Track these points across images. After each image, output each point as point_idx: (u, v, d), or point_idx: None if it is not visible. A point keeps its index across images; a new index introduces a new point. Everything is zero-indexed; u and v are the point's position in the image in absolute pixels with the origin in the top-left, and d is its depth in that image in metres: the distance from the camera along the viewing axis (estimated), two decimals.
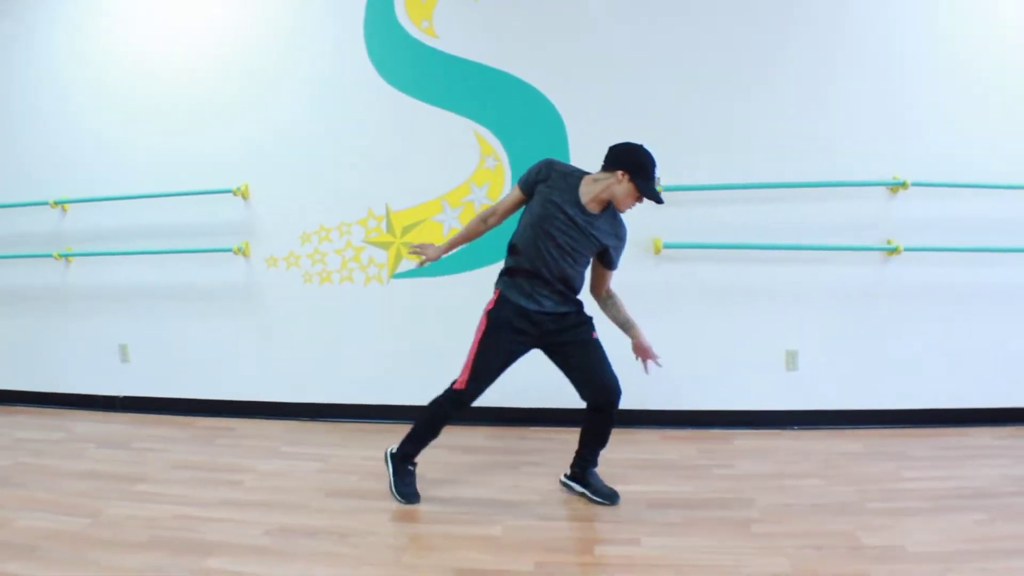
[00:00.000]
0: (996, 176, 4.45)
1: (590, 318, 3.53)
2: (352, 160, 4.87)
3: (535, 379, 4.62)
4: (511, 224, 3.53)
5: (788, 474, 3.91)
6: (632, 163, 3.27)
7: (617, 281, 4.22)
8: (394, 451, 3.71)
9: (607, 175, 3.30)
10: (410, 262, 4.83)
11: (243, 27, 4.94)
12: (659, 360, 3.59)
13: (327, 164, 4.91)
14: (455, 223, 4.73)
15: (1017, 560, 2.92)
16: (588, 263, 3.46)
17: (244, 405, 5.22)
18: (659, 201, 3.33)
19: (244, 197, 5.00)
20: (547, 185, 3.36)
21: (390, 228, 4.86)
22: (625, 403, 4.55)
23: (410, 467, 3.70)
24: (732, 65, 4.54)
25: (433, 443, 3.65)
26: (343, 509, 3.56)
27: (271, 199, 5.00)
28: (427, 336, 4.81)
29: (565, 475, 3.76)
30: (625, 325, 3.57)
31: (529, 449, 4.40)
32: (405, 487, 3.66)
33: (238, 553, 3.11)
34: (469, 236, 3.70)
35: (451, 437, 3.68)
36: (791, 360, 4.67)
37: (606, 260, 3.46)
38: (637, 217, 4.42)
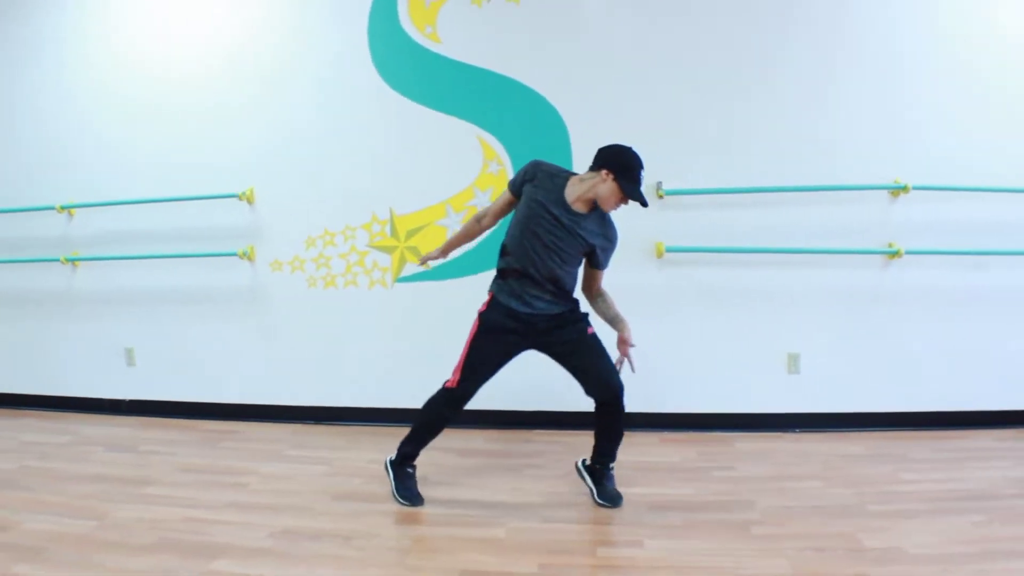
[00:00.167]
0: (997, 179, 4.47)
1: (585, 315, 3.55)
2: (356, 165, 4.91)
3: (538, 382, 4.67)
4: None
5: (788, 476, 3.93)
6: (617, 163, 3.29)
7: (620, 284, 4.26)
8: (392, 459, 3.75)
9: (593, 175, 3.33)
10: (414, 266, 4.87)
11: (248, 33, 4.97)
12: (633, 364, 3.57)
13: (332, 169, 4.94)
14: (458, 227, 4.75)
15: (1016, 562, 2.93)
16: (578, 263, 3.47)
17: (249, 408, 5.25)
18: (643, 203, 3.31)
19: (249, 202, 5.04)
20: (533, 185, 3.40)
21: (394, 232, 4.89)
22: (626, 405, 4.59)
23: (409, 470, 3.73)
24: (733, 69, 4.56)
25: (435, 445, 3.69)
26: (347, 512, 3.59)
27: (276, 203, 5.03)
28: (431, 339, 4.84)
29: (583, 461, 3.79)
30: (614, 320, 3.58)
31: (532, 452, 4.43)
32: (406, 490, 3.69)
33: (244, 555, 3.14)
34: (467, 236, 3.79)
35: (454, 440, 3.72)
36: (792, 363, 4.69)
37: (594, 261, 3.48)
38: (639, 220, 4.49)
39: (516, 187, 3.49)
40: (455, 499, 3.72)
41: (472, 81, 4.72)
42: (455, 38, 4.73)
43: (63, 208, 5.29)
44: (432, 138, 4.78)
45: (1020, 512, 3.39)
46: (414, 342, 4.91)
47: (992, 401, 4.67)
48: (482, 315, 3.53)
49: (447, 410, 3.56)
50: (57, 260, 5.36)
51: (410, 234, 4.87)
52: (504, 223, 3.63)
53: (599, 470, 3.68)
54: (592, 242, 3.38)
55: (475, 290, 3.73)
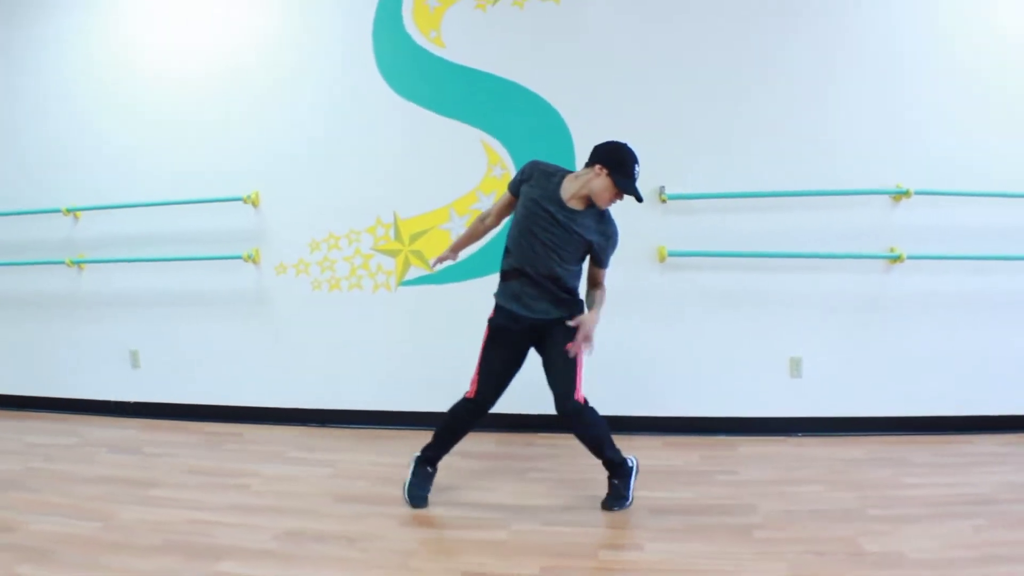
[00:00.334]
0: (999, 184, 4.48)
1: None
2: (361, 168, 4.93)
3: (541, 385, 4.68)
4: None
5: (790, 480, 3.94)
6: (610, 158, 3.32)
7: (622, 288, 4.33)
8: (418, 455, 3.77)
9: (587, 171, 3.37)
10: (418, 269, 4.89)
11: (253, 37, 5.00)
12: (583, 349, 3.50)
13: (336, 172, 4.97)
14: (462, 231, 4.77)
15: (1016, 566, 2.95)
16: (578, 260, 3.48)
17: (254, 411, 5.27)
18: (637, 197, 3.33)
19: (254, 205, 5.06)
20: (530, 185, 3.45)
21: (398, 236, 4.92)
22: (629, 409, 4.63)
23: (429, 469, 3.76)
24: (734, 74, 4.57)
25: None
26: (352, 514, 3.61)
27: (281, 207, 5.06)
28: (435, 342, 4.87)
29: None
30: (589, 303, 3.58)
31: (535, 455, 4.44)
32: (415, 488, 3.71)
33: (248, 557, 3.17)
34: (473, 236, 3.85)
35: (459, 444, 3.72)
36: (795, 367, 4.70)
37: (595, 259, 3.50)
38: (642, 225, 4.52)
39: (515, 187, 3.54)
40: (459, 501, 3.74)
41: (476, 85, 4.74)
42: (459, 42, 4.75)
43: (69, 211, 5.32)
44: (436, 142, 4.81)
45: (1021, 517, 3.41)
46: (418, 345, 4.93)
47: (994, 406, 4.67)
48: (490, 321, 3.59)
49: (470, 418, 3.62)
50: (63, 263, 5.39)
51: (414, 238, 4.89)
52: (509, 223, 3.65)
53: (610, 477, 3.70)
54: (589, 238, 3.40)
55: (479, 293, 3.75)
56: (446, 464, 3.83)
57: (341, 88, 4.91)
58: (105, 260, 5.37)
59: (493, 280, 3.62)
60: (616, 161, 3.31)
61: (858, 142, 4.53)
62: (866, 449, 4.41)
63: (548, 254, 3.39)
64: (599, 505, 3.64)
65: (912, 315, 4.63)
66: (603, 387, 4.74)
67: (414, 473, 3.74)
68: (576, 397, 3.49)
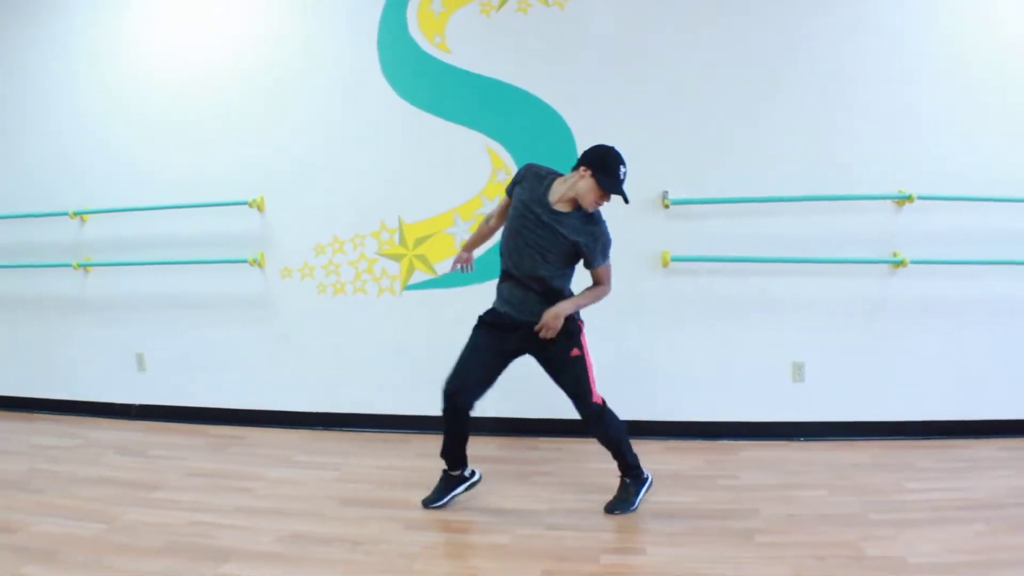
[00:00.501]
0: (1002, 189, 4.48)
1: (575, 331, 3.56)
2: (365, 173, 4.95)
3: (544, 390, 4.69)
4: None
5: (793, 485, 3.94)
6: (594, 160, 3.34)
7: (626, 293, 4.36)
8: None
9: (573, 174, 3.39)
10: (423, 273, 4.91)
11: (258, 42, 5.03)
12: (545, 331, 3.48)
13: (341, 177, 4.99)
14: (466, 236, 4.78)
15: (1017, 571, 2.95)
16: (564, 262, 3.48)
17: (258, 414, 5.29)
18: (624, 197, 3.35)
19: (260, 209, 5.09)
20: (521, 187, 3.49)
21: (403, 240, 4.93)
22: (632, 413, 4.61)
23: (453, 473, 3.76)
24: (738, 80, 4.58)
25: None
26: (356, 517, 3.63)
27: (286, 211, 5.08)
28: (439, 346, 4.84)
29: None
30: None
31: (539, 459, 4.45)
32: (435, 491, 3.76)
33: (251, 559, 3.18)
34: (481, 237, 3.93)
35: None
36: (797, 372, 4.70)
37: (585, 260, 3.50)
38: (645, 230, 4.55)
39: (509, 190, 3.59)
40: (462, 505, 3.75)
41: (480, 91, 4.76)
42: (464, 48, 4.77)
43: (76, 214, 5.35)
44: (441, 147, 4.82)
45: (1022, 521, 3.41)
46: (423, 349, 4.94)
47: (997, 410, 4.66)
48: (478, 317, 3.67)
49: (445, 406, 3.59)
50: (69, 265, 5.42)
51: (419, 242, 4.91)
52: None
53: (621, 477, 3.74)
54: (574, 239, 3.40)
55: (483, 297, 3.76)
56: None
57: (346, 93, 4.93)
58: (111, 263, 5.39)
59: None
60: (600, 162, 3.33)
61: (861, 147, 4.54)
62: (868, 454, 4.41)
63: (533, 255, 3.42)
64: (602, 509, 3.65)
65: (915, 320, 4.63)
66: (606, 391, 4.75)
67: (440, 478, 3.78)
68: (594, 399, 3.55)
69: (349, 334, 5.09)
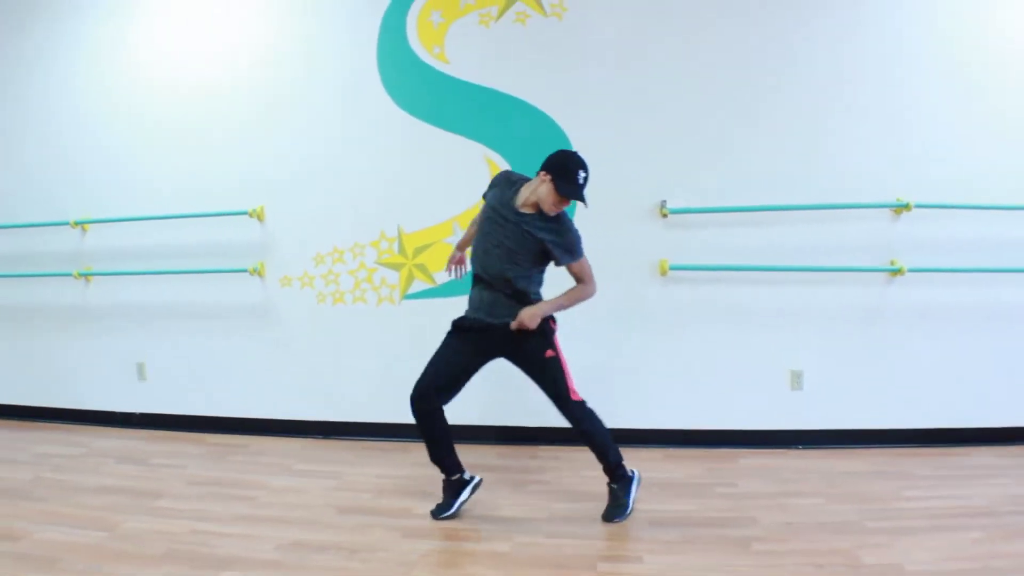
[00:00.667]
0: (999, 197, 4.50)
1: (549, 331, 3.59)
2: (365, 183, 4.98)
3: (543, 398, 4.71)
4: None
5: (791, 493, 3.95)
6: (553, 165, 3.40)
7: (624, 301, 4.43)
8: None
9: (536, 178, 3.45)
10: (422, 283, 4.93)
11: (259, 53, 5.06)
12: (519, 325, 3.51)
13: (341, 187, 5.01)
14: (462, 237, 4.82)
15: None
16: (531, 262, 3.51)
17: (258, 422, 5.31)
18: (582, 200, 3.40)
19: (260, 219, 5.11)
20: (492, 192, 3.59)
21: (402, 250, 4.96)
22: (630, 421, 4.65)
23: (452, 477, 3.76)
24: (736, 90, 4.61)
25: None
26: (355, 525, 3.64)
27: (286, 221, 5.11)
28: None
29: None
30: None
31: (538, 467, 4.47)
32: (441, 503, 3.78)
33: (251, 567, 3.19)
34: (470, 238, 3.91)
35: (461, 455, 3.75)
36: (796, 380, 4.71)
37: (553, 258, 3.52)
38: (644, 239, 4.58)
39: (485, 194, 3.68)
40: (462, 513, 3.76)
41: (479, 101, 4.79)
42: (462, 58, 4.80)
43: (77, 223, 5.38)
44: (440, 157, 4.85)
45: (1019, 529, 3.42)
46: (422, 358, 4.90)
47: (994, 418, 4.68)
48: (452, 322, 3.72)
49: (412, 412, 3.65)
50: (70, 275, 5.45)
51: (418, 251, 4.93)
52: None
53: (608, 483, 3.74)
54: (540, 236, 3.44)
55: None
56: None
57: (346, 103, 4.96)
58: (112, 272, 5.42)
59: None
60: (559, 167, 3.38)
61: (859, 156, 4.56)
62: (866, 461, 4.42)
63: (498, 255, 3.48)
64: (599, 517, 3.66)
65: (913, 328, 4.65)
66: (605, 399, 4.76)
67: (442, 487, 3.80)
68: (573, 398, 3.58)
69: (349, 343, 5.11)
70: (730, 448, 4.72)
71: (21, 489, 4.23)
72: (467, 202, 4.81)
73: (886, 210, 4.56)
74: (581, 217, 4.68)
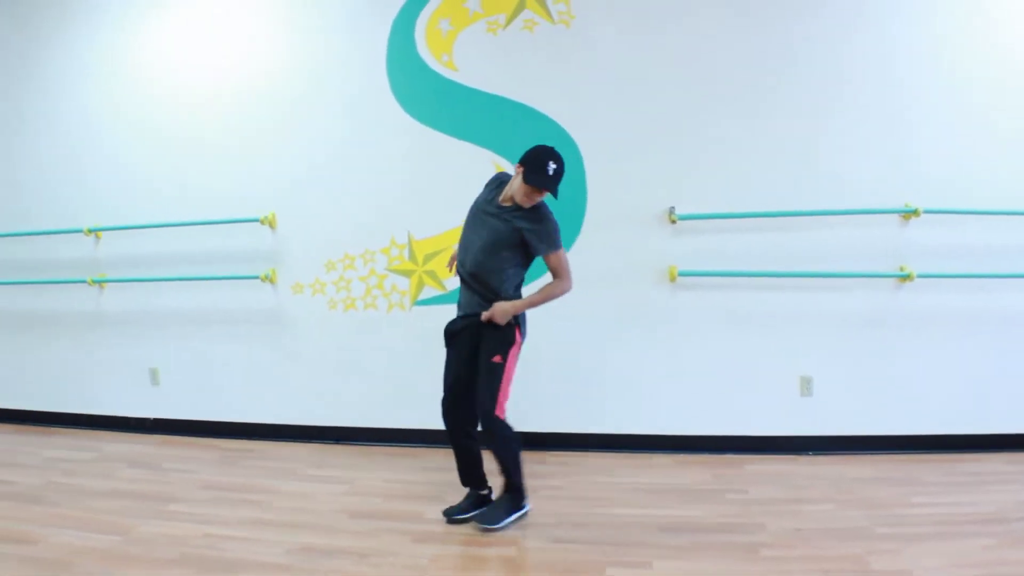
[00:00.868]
0: (1008, 202, 4.49)
1: (509, 342, 3.60)
2: (376, 190, 5.00)
3: (552, 404, 4.75)
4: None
5: (800, 499, 3.95)
6: (527, 158, 3.46)
7: (633, 307, 4.49)
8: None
9: (515, 174, 3.54)
10: (432, 289, 4.96)
11: (269, 63, 5.10)
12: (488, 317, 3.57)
13: (351, 194, 5.04)
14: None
15: None
16: (510, 253, 3.55)
17: (270, 428, 5.34)
18: (551, 191, 3.44)
19: (271, 226, 5.15)
20: (482, 192, 3.76)
21: (412, 256, 4.98)
22: (640, 427, 4.66)
23: (477, 491, 3.84)
24: (744, 97, 4.61)
25: (453, 467, 3.81)
26: (365, 530, 3.66)
27: (297, 228, 5.14)
28: None
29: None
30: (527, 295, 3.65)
31: (547, 473, 4.46)
32: (458, 504, 3.83)
33: (260, 571, 3.23)
34: None
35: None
36: (805, 386, 4.71)
37: (531, 247, 3.54)
38: (653, 245, 4.60)
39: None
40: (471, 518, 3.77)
41: (488, 108, 4.82)
42: (471, 66, 4.83)
43: (90, 231, 5.43)
44: (449, 164, 4.87)
45: None
46: (432, 364, 4.93)
47: (1005, 424, 4.65)
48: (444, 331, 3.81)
49: (446, 426, 3.74)
50: (84, 281, 5.50)
51: (428, 258, 4.96)
52: None
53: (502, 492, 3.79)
54: (517, 225, 3.50)
55: None
56: (458, 481, 3.86)
57: (356, 111, 4.99)
58: (126, 279, 5.47)
59: None
60: (531, 159, 3.44)
61: (867, 161, 4.56)
62: (876, 468, 4.41)
63: (478, 249, 3.56)
64: (608, 522, 3.68)
65: (922, 333, 4.63)
66: (615, 405, 4.80)
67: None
68: (495, 413, 3.58)
69: (360, 349, 5.14)
70: (739, 454, 4.71)
71: (34, 493, 4.27)
72: None
73: (895, 215, 4.56)
74: (591, 224, 4.71)
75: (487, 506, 3.76)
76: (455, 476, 3.83)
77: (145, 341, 5.54)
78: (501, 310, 3.50)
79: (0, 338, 5.91)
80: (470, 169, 4.80)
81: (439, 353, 3.71)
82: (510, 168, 4.74)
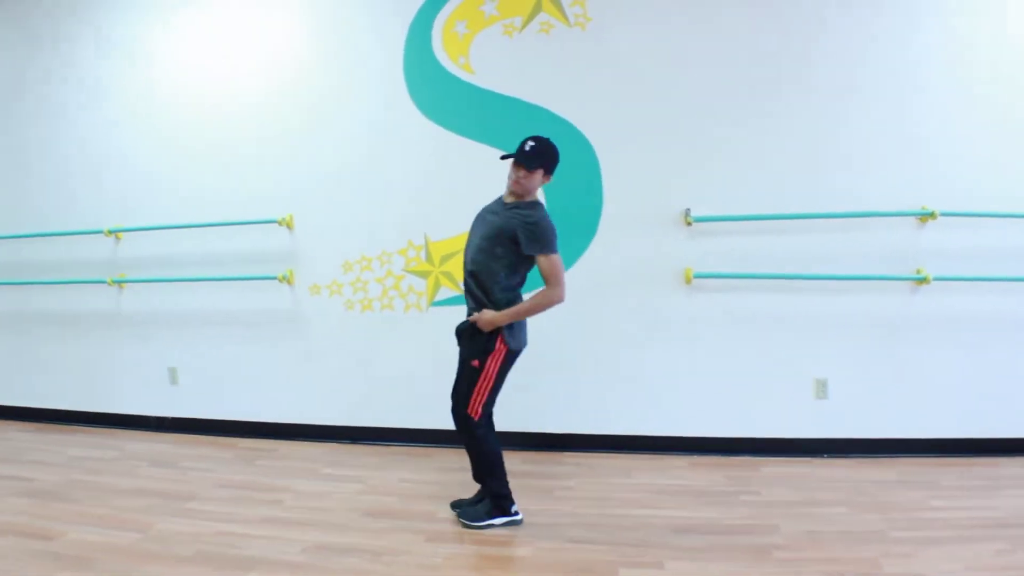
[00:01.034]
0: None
1: (490, 350, 3.59)
2: (392, 192, 5.04)
3: (569, 404, 4.76)
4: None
5: (815, 502, 3.94)
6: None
7: (648, 309, 4.53)
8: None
9: None
10: (449, 290, 4.98)
11: (287, 66, 5.15)
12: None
13: (368, 196, 5.08)
14: None
15: None
16: (502, 257, 3.55)
17: (287, 427, 5.38)
18: (523, 163, 3.52)
19: (289, 227, 5.19)
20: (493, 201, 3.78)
21: (429, 258, 5.01)
22: (655, 429, 4.67)
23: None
24: (760, 99, 4.61)
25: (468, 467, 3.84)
26: (380, 529, 3.70)
27: (315, 229, 5.18)
28: None
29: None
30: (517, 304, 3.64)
31: (562, 474, 4.49)
32: (474, 505, 3.86)
33: (275, 569, 3.27)
34: None
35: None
36: (820, 389, 4.70)
37: (520, 244, 3.52)
38: (668, 247, 4.61)
39: None
40: None
41: (504, 110, 4.83)
42: (487, 68, 4.85)
43: (110, 232, 5.50)
44: (465, 166, 4.89)
45: None
46: (448, 364, 4.96)
47: (1022, 428, 4.62)
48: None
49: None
50: (104, 282, 5.57)
51: (444, 259, 4.98)
52: None
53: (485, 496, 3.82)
54: (511, 220, 3.53)
55: None
56: (473, 481, 3.88)
57: (373, 113, 5.03)
58: (145, 280, 5.53)
59: None
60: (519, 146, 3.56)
61: (883, 164, 4.55)
62: (892, 471, 4.40)
63: (476, 248, 3.61)
64: (622, 523, 3.69)
65: (939, 336, 4.62)
66: (630, 406, 4.81)
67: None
68: (467, 411, 3.62)
69: (376, 349, 5.17)
70: (754, 456, 4.71)
71: (55, 491, 4.33)
72: None
73: (911, 218, 4.54)
74: (606, 226, 4.71)
75: (470, 502, 3.84)
76: (466, 476, 3.86)
77: (164, 341, 5.60)
78: (485, 319, 3.53)
79: (23, 338, 5.99)
80: (486, 171, 4.80)
81: (455, 353, 3.73)
82: None
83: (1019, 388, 4.60)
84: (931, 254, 4.55)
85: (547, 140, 3.55)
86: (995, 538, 3.42)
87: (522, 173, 3.52)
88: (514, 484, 3.97)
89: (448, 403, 3.78)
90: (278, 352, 5.35)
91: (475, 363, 3.60)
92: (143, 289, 5.59)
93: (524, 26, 4.78)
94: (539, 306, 3.53)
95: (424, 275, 5.03)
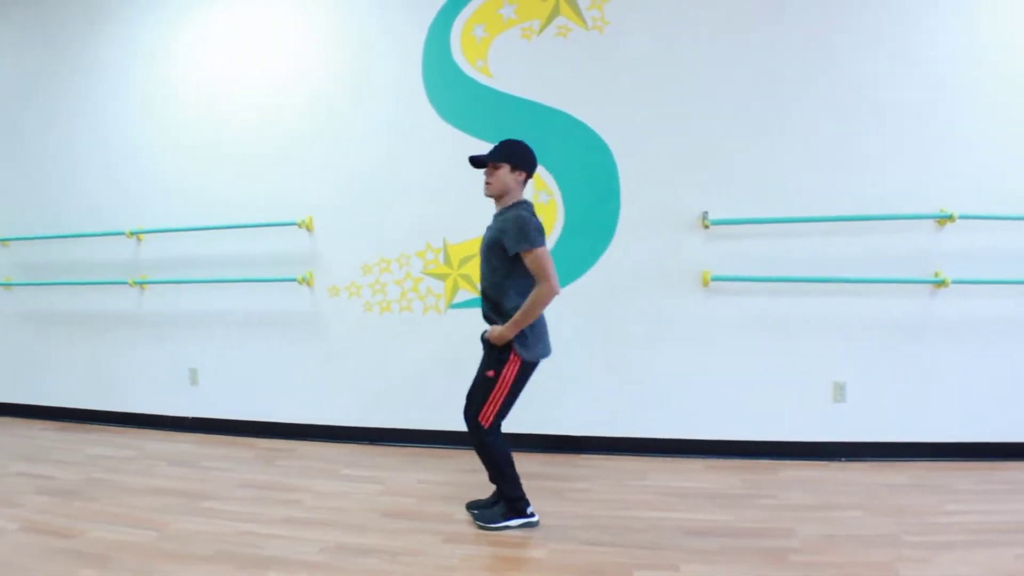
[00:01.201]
0: None
1: (504, 360, 3.59)
2: (411, 194, 5.07)
3: (585, 407, 4.77)
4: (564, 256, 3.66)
5: (831, 505, 3.93)
6: None
7: (666, 312, 4.58)
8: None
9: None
10: (467, 292, 5.00)
11: (307, 69, 5.20)
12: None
13: (387, 198, 5.11)
14: None
15: None
16: (499, 265, 3.56)
17: (306, 428, 5.42)
18: (478, 160, 3.69)
19: (309, 229, 5.23)
20: None
21: (447, 260, 5.03)
22: (671, 431, 4.67)
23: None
24: (777, 100, 4.61)
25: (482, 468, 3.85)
26: (398, 530, 3.72)
27: (334, 232, 5.22)
28: None
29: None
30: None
31: (576, 476, 4.49)
32: (489, 507, 3.89)
33: (293, 568, 3.29)
34: None
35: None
36: (838, 392, 4.68)
37: (505, 248, 3.51)
38: (686, 250, 4.63)
39: None
40: None
41: (522, 113, 4.85)
42: (505, 71, 4.87)
43: (132, 234, 5.55)
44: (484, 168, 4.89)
45: None
46: (466, 366, 4.98)
47: None
48: None
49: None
50: (126, 283, 5.63)
51: (463, 262, 5.01)
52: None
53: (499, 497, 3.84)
54: (497, 230, 3.56)
55: None
56: (489, 483, 3.90)
57: (392, 116, 5.06)
58: (166, 281, 5.59)
59: None
60: None
61: (901, 167, 4.53)
62: (909, 475, 4.38)
63: (481, 264, 3.66)
64: (637, 525, 3.70)
65: (957, 340, 4.59)
66: (647, 409, 4.81)
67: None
68: (478, 418, 3.65)
69: (395, 351, 5.20)
70: (771, 459, 4.70)
71: (75, 489, 4.38)
72: None
73: (929, 221, 4.53)
74: (624, 228, 4.72)
75: (486, 501, 3.89)
76: (486, 478, 3.88)
77: (184, 341, 5.65)
78: (495, 336, 3.55)
79: (45, 337, 6.07)
80: None
81: (473, 355, 3.75)
82: (544, 173, 4.79)
83: None
84: (950, 257, 4.53)
85: (515, 140, 3.64)
86: (1012, 543, 3.40)
87: (487, 170, 3.63)
88: (529, 486, 3.99)
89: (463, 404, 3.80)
90: (298, 353, 5.39)
91: (490, 373, 3.61)
92: (164, 290, 5.65)
93: (542, 29, 4.80)
94: (534, 305, 3.46)
95: (442, 277, 5.05)
